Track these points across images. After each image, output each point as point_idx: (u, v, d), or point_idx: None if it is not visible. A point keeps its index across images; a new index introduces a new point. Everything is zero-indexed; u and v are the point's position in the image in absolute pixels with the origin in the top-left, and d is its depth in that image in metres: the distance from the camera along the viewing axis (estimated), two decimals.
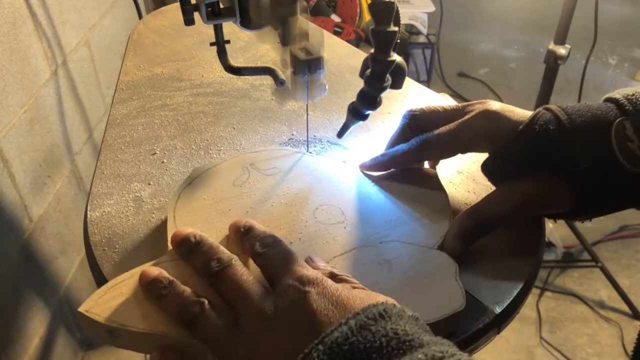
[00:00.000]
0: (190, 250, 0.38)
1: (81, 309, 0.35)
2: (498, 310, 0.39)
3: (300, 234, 0.43)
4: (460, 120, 0.45)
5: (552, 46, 1.32)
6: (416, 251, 0.41)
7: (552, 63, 1.33)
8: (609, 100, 0.43)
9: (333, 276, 0.37)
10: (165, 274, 0.37)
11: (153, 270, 0.37)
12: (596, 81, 2.40)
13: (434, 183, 0.48)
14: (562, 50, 1.30)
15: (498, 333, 0.39)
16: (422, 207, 0.45)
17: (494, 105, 0.45)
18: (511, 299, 0.40)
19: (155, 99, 0.62)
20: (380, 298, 0.33)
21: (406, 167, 0.49)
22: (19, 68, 0.98)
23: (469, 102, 0.47)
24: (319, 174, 0.49)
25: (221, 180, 0.48)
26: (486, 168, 0.46)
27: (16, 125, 0.98)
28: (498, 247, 0.44)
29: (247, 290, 0.35)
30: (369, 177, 0.49)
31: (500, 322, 0.39)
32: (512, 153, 0.43)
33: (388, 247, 0.42)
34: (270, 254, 0.37)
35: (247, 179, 0.48)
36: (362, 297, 0.34)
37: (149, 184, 0.50)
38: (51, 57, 1.10)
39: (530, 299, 1.53)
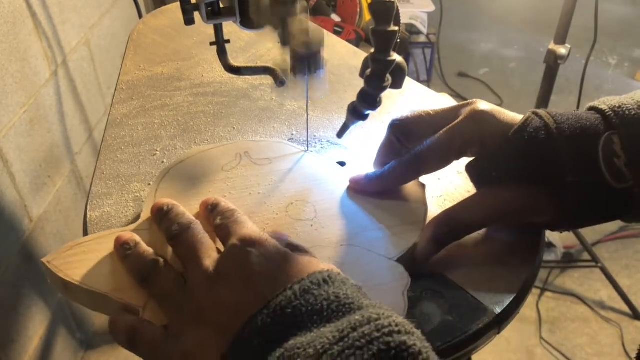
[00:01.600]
0: (162, 217, 0.41)
1: (44, 260, 0.39)
2: (498, 310, 0.39)
3: (266, 225, 0.44)
4: (449, 127, 0.43)
5: (552, 46, 1.32)
6: (373, 259, 0.41)
7: (552, 63, 1.33)
8: (594, 109, 0.42)
9: (292, 247, 0.38)
10: (136, 237, 0.40)
11: (126, 234, 0.40)
12: (596, 81, 2.40)
13: (418, 195, 0.47)
14: (562, 50, 1.30)
15: (498, 333, 0.39)
16: (396, 218, 0.44)
17: (483, 105, 0.44)
18: (511, 299, 0.40)
19: (155, 99, 0.62)
20: (325, 266, 0.34)
21: (402, 185, 0.47)
22: (19, 68, 0.98)
23: (455, 105, 0.46)
24: (307, 171, 0.49)
25: (212, 163, 0.50)
26: (471, 170, 0.45)
27: (16, 125, 0.98)
28: (498, 247, 0.44)
29: (198, 252, 0.37)
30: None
31: (500, 322, 0.39)
32: (500, 160, 0.42)
33: (346, 250, 0.42)
34: (226, 223, 0.39)
35: (237, 165, 0.49)
36: (306, 262, 0.35)
37: (149, 184, 0.50)
38: (51, 57, 1.10)
39: (530, 299, 1.53)
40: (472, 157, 0.45)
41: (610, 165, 0.39)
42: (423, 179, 0.48)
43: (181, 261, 0.38)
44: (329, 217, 0.45)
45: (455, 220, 0.42)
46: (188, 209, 0.44)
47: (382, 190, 0.47)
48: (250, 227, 0.39)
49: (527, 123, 0.41)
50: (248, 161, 0.50)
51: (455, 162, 0.46)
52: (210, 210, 0.42)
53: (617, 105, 0.41)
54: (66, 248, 0.40)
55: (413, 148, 0.45)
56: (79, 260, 0.39)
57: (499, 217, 0.43)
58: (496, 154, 0.43)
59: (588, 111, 0.43)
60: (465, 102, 0.45)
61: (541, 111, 0.42)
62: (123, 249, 0.39)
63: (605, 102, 0.42)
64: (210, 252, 0.38)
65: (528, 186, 0.41)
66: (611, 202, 0.40)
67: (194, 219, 0.41)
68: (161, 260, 0.38)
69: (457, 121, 0.43)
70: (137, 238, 0.40)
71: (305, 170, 0.49)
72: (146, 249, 0.39)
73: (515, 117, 0.43)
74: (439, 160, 0.44)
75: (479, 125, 0.43)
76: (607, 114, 0.40)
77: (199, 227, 0.40)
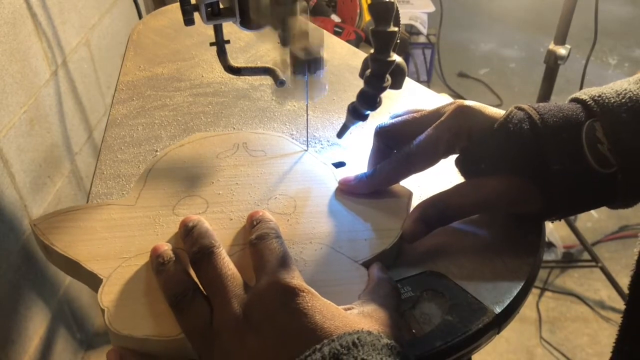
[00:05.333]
0: (186, 234, 0.40)
1: (32, 222, 0.42)
2: (498, 310, 0.39)
3: (242, 214, 0.44)
4: (437, 123, 0.44)
5: (552, 46, 1.32)
6: (337, 260, 0.41)
7: (552, 63, 1.33)
8: (575, 100, 0.43)
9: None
10: (171, 253, 0.39)
11: (162, 245, 0.40)
12: (596, 81, 2.39)
13: (403, 200, 0.46)
14: (562, 50, 1.30)
15: (498, 333, 0.39)
16: (374, 222, 0.44)
17: (468, 102, 0.44)
18: (511, 299, 0.40)
19: (155, 99, 0.62)
20: (356, 324, 0.33)
21: (393, 184, 0.47)
22: (19, 68, 0.98)
23: (439, 106, 0.46)
24: (299, 168, 0.50)
25: (209, 150, 0.51)
26: (459, 164, 0.46)
27: (16, 125, 0.98)
28: (498, 247, 0.44)
29: (224, 287, 0.35)
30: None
31: (500, 322, 0.39)
32: (486, 153, 0.43)
33: (314, 247, 0.42)
34: (261, 249, 0.38)
35: (232, 155, 0.51)
36: (340, 317, 0.33)
37: None
38: (51, 57, 1.10)
39: (530, 299, 1.53)
40: (460, 152, 0.45)
41: (594, 151, 0.40)
42: (417, 183, 0.48)
43: (205, 291, 0.37)
44: (307, 214, 0.45)
45: (444, 204, 0.42)
46: (173, 192, 0.46)
47: (372, 190, 0.47)
48: (287, 263, 0.37)
49: (510, 116, 0.42)
50: (244, 152, 0.51)
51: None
52: (252, 226, 0.41)
53: (597, 95, 0.41)
54: (55, 214, 0.43)
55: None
56: (63, 227, 0.42)
57: (486, 205, 0.44)
58: (482, 147, 0.43)
59: (570, 102, 0.44)
60: (449, 102, 0.46)
61: (524, 105, 0.43)
62: (157, 262, 0.38)
63: (586, 92, 0.42)
64: (237, 289, 0.36)
65: (515, 176, 0.42)
66: (597, 188, 0.41)
67: (216, 240, 0.39)
68: (195, 286, 0.36)
69: (443, 117, 0.44)
70: (172, 254, 0.39)
71: (298, 167, 0.50)
72: (181, 269, 0.38)
73: (499, 112, 0.44)
74: (428, 156, 0.45)
75: (465, 120, 0.43)
76: (588, 103, 0.41)
77: (222, 253, 0.38)
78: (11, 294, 1.00)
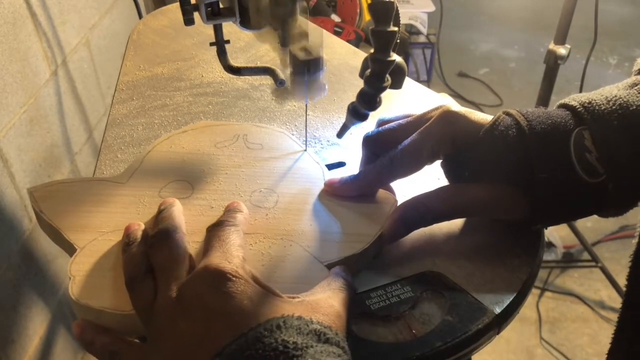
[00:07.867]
0: (157, 215, 0.42)
1: (29, 188, 0.44)
2: (498, 310, 0.39)
3: (223, 203, 0.45)
4: (422, 129, 0.43)
5: (552, 46, 1.32)
6: (303, 258, 0.41)
7: (552, 63, 1.33)
8: (565, 106, 0.42)
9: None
10: (138, 234, 0.40)
11: (134, 225, 0.41)
12: (596, 81, 2.40)
13: (383, 208, 0.45)
14: (562, 50, 1.30)
15: (498, 333, 0.39)
16: (349, 226, 0.44)
17: (454, 107, 0.44)
18: (511, 299, 0.40)
19: (155, 99, 0.63)
20: (287, 311, 0.33)
21: (377, 189, 0.47)
22: (19, 68, 0.98)
23: (425, 111, 0.45)
24: (291, 165, 0.50)
25: (209, 138, 0.52)
26: (445, 169, 0.46)
27: (16, 125, 0.98)
28: (498, 247, 0.44)
29: (168, 270, 0.36)
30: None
31: (500, 322, 0.39)
32: (471, 159, 0.43)
33: (283, 244, 0.42)
34: (211, 235, 0.39)
35: (230, 145, 0.51)
36: (270, 303, 0.33)
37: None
38: (51, 57, 1.10)
39: (530, 299, 1.53)
40: (444, 158, 0.45)
41: (582, 160, 0.39)
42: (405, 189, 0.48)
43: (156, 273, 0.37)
44: (286, 210, 0.45)
45: (425, 206, 0.42)
46: (164, 175, 0.47)
47: (356, 193, 0.46)
48: (230, 250, 0.37)
49: (498, 122, 0.42)
50: (242, 143, 0.52)
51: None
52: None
53: (587, 102, 0.41)
54: (51, 183, 0.45)
55: None
56: (55, 196, 0.44)
57: (468, 211, 0.43)
58: (468, 153, 0.43)
59: (559, 108, 0.43)
60: (436, 107, 0.45)
61: (512, 110, 0.42)
62: (125, 240, 0.40)
63: (575, 98, 0.42)
64: (180, 273, 0.36)
65: (500, 183, 0.42)
66: (585, 197, 0.40)
67: (176, 225, 0.39)
68: (148, 269, 0.37)
69: (428, 123, 0.43)
70: (138, 234, 0.40)
71: (290, 164, 0.50)
72: (142, 251, 0.38)
73: (487, 117, 0.43)
74: (412, 162, 0.44)
75: (450, 126, 0.43)
76: (578, 110, 0.41)
77: (174, 237, 0.38)
78: (11, 294, 1.00)
